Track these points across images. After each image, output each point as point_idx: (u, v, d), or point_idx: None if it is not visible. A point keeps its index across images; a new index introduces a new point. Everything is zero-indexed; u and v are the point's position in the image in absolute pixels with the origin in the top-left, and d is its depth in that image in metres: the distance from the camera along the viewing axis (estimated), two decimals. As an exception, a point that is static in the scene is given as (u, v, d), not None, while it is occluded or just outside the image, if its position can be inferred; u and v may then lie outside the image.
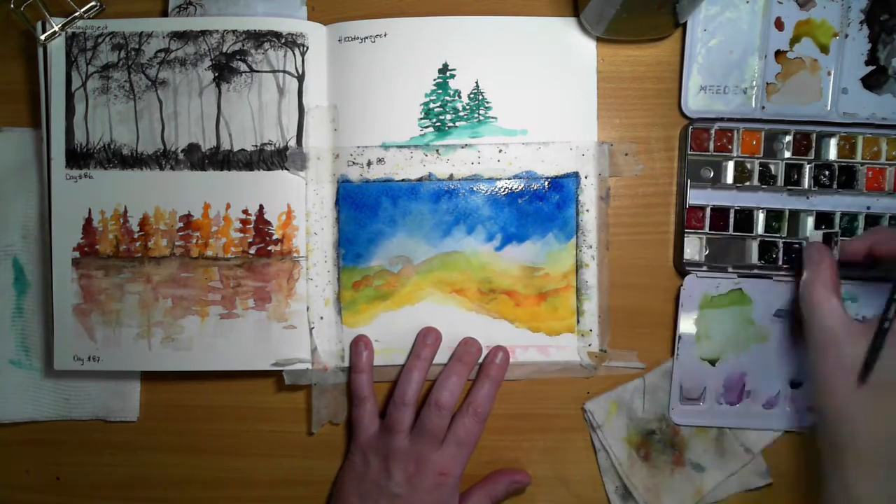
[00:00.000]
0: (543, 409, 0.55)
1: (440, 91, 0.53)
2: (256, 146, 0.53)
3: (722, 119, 0.53)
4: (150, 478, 0.56)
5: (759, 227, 0.53)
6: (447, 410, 0.50)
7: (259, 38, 0.53)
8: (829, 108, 0.53)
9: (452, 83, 0.53)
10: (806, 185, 0.53)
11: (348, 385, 0.54)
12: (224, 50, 0.53)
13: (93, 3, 0.53)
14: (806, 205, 0.53)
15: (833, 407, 0.43)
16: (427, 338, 0.53)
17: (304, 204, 0.53)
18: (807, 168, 0.53)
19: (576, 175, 0.53)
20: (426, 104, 0.53)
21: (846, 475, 0.42)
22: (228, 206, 0.53)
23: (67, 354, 0.53)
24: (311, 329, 0.53)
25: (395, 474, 0.50)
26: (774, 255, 0.53)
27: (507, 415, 0.55)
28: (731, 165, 0.53)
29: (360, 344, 0.53)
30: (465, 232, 0.53)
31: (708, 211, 0.53)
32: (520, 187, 0.53)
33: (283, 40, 0.53)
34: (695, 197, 0.53)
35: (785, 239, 0.53)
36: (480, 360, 0.53)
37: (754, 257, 0.53)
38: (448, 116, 0.53)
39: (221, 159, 0.53)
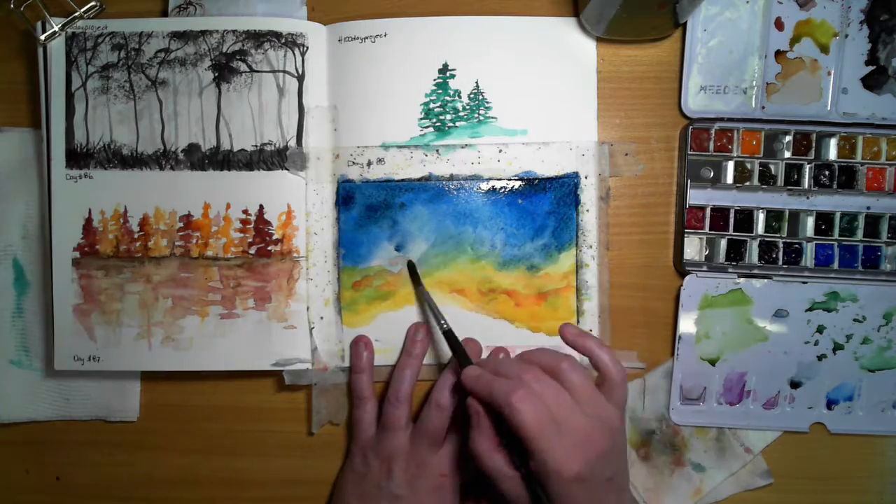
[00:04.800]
0: (543, 409, 0.55)
1: (440, 91, 0.53)
2: (256, 146, 0.53)
3: (722, 119, 0.53)
4: (150, 478, 0.56)
5: (759, 227, 0.53)
6: (447, 410, 0.50)
7: (259, 38, 0.53)
8: (829, 108, 0.53)
9: (452, 83, 0.53)
10: (806, 185, 0.53)
11: (349, 385, 0.54)
12: (224, 50, 0.53)
13: (93, 3, 0.53)
14: (806, 205, 0.53)
15: None
16: (417, 334, 0.53)
17: (304, 204, 0.53)
18: (807, 168, 0.53)
19: (576, 175, 0.53)
20: (426, 104, 0.53)
21: None
22: (228, 206, 0.53)
23: (68, 354, 0.53)
24: (311, 329, 0.53)
25: (396, 475, 0.50)
26: (774, 255, 0.53)
27: (507, 415, 0.55)
28: (731, 165, 0.53)
29: (360, 344, 0.53)
30: (465, 232, 0.53)
31: (708, 211, 0.53)
32: (520, 187, 0.53)
33: (283, 40, 0.53)
34: (695, 197, 0.53)
35: (785, 239, 0.53)
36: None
37: (754, 257, 0.53)
38: (448, 116, 0.53)
39: (221, 159, 0.53)
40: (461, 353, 0.47)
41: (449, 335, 0.49)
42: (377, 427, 0.52)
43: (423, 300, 0.52)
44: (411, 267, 0.53)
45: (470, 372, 0.44)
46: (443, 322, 0.49)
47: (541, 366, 0.44)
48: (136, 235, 0.53)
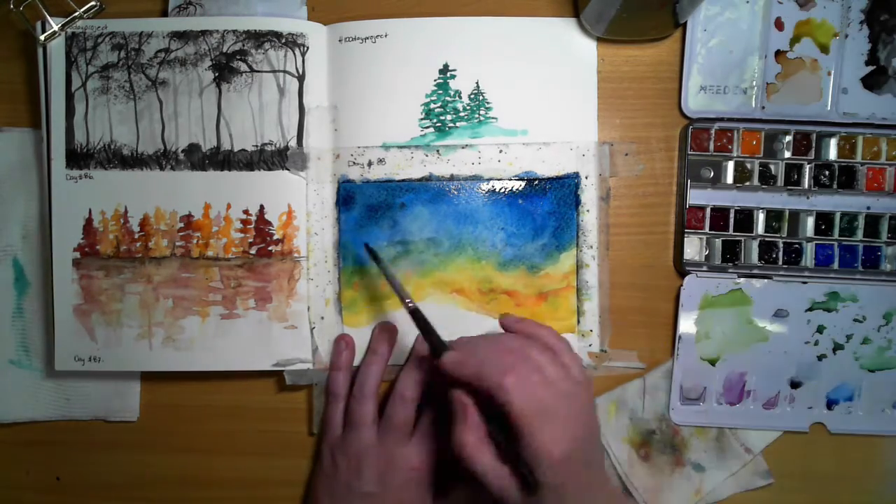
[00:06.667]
0: (544, 408, 0.55)
1: (441, 91, 0.53)
2: (257, 146, 0.53)
3: (722, 119, 0.53)
4: (150, 478, 0.56)
5: (759, 227, 0.53)
6: (412, 402, 0.50)
7: (259, 38, 0.53)
8: (829, 108, 0.53)
9: (453, 83, 0.53)
10: (806, 185, 0.53)
11: (326, 383, 0.54)
12: (224, 50, 0.53)
13: (92, 3, 0.53)
14: (806, 205, 0.53)
15: None
16: (383, 333, 0.53)
17: (304, 204, 0.53)
18: (807, 168, 0.53)
19: (576, 175, 0.53)
20: (427, 104, 0.53)
21: None
22: (229, 206, 0.53)
23: (68, 355, 0.53)
24: (311, 329, 0.53)
25: (366, 473, 0.49)
26: (774, 255, 0.53)
27: (508, 415, 0.55)
28: (731, 165, 0.53)
29: (340, 343, 0.53)
30: (465, 232, 0.53)
31: (708, 211, 0.53)
32: (520, 187, 0.53)
33: (283, 40, 0.53)
34: (695, 197, 0.53)
35: (785, 239, 0.53)
36: None
37: (754, 257, 0.53)
38: (448, 117, 0.53)
39: (222, 159, 0.53)
40: (432, 334, 0.46)
41: (416, 315, 0.47)
42: (344, 425, 0.52)
43: (388, 279, 0.49)
44: (369, 250, 0.51)
45: (451, 357, 0.44)
46: (409, 301, 0.48)
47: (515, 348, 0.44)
48: (136, 236, 0.53)
